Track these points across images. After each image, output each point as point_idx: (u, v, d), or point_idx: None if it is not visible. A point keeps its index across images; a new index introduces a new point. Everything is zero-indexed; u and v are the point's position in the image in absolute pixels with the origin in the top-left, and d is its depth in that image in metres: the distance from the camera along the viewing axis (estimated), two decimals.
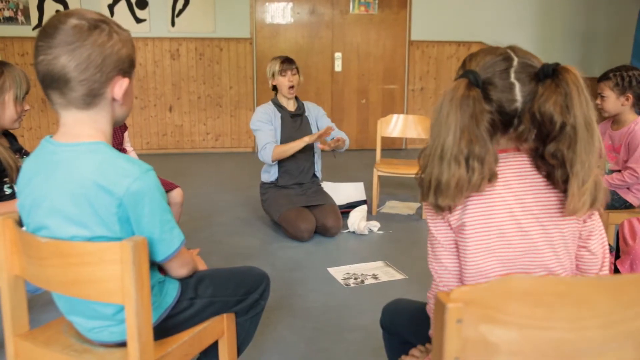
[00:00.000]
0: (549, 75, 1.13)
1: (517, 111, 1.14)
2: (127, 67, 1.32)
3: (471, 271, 1.20)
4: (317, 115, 3.94)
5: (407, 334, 1.54)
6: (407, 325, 1.54)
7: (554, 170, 1.13)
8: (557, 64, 1.14)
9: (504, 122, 1.16)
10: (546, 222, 1.17)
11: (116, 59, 1.27)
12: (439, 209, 1.16)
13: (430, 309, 1.39)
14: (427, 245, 1.28)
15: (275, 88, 3.82)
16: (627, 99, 2.73)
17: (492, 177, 1.14)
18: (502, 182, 1.17)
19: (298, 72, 3.78)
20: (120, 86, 1.30)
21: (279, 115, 3.78)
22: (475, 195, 1.16)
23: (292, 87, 3.74)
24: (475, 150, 1.10)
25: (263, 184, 3.90)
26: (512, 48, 1.19)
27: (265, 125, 3.72)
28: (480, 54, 1.20)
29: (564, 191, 1.14)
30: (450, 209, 1.16)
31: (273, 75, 3.75)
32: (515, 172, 1.19)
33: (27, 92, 2.17)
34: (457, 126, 1.10)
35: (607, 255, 1.27)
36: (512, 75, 1.14)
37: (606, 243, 1.27)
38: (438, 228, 1.22)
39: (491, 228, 1.17)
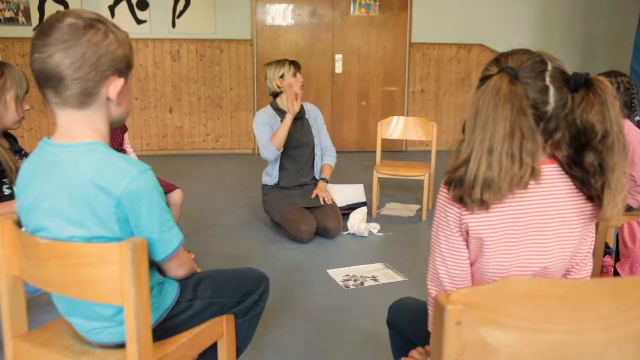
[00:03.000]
0: (580, 84, 1.16)
1: (547, 114, 1.16)
2: (123, 68, 1.31)
3: (486, 270, 1.23)
4: (315, 116, 3.95)
5: (408, 333, 1.55)
6: (408, 324, 1.55)
7: (590, 177, 1.15)
8: (587, 74, 1.17)
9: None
10: (566, 231, 1.21)
11: (111, 58, 1.27)
12: (482, 204, 1.13)
13: (431, 302, 1.40)
14: (431, 239, 1.28)
15: (274, 94, 3.80)
16: None
17: (536, 175, 1.14)
18: (532, 191, 1.18)
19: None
20: (115, 86, 1.30)
21: (278, 119, 3.78)
22: (500, 204, 1.16)
23: (302, 85, 3.76)
24: (527, 145, 1.10)
25: (264, 185, 3.90)
26: (544, 52, 1.21)
27: (265, 127, 3.74)
28: (516, 53, 1.21)
29: (597, 197, 1.17)
30: (487, 206, 1.14)
31: (282, 76, 3.71)
32: (546, 182, 1.19)
33: (27, 92, 2.18)
34: (507, 120, 1.09)
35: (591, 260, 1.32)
36: (548, 79, 1.16)
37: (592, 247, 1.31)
38: (450, 224, 1.22)
39: (513, 238, 1.19)
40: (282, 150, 3.68)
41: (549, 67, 1.17)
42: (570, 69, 1.20)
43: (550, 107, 1.15)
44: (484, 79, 1.20)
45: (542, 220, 1.19)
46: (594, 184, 1.15)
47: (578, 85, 1.16)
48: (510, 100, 1.09)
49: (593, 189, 1.16)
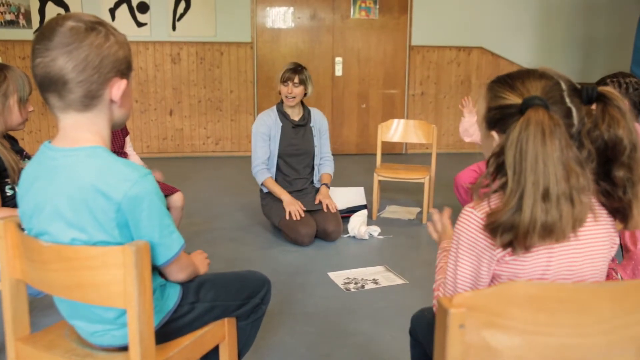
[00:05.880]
0: (594, 98, 1.14)
1: (573, 137, 1.12)
2: (124, 69, 1.32)
3: None
4: (320, 127, 3.91)
5: (425, 344, 1.53)
6: (424, 335, 1.53)
7: (618, 190, 1.13)
8: (595, 88, 1.15)
9: None
10: (598, 258, 1.17)
11: (113, 60, 1.28)
12: (530, 248, 1.08)
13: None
14: (450, 265, 1.22)
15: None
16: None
17: (593, 209, 1.11)
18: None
19: (305, 83, 3.68)
20: (118, 87, 1.30)
21: (280, 124, 3.75)
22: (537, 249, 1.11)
23: (292, 97, 3.68)
24: (582, 182, 1.06)
25: (262, 190, 3.89)
26: (549, 70, 1.17)
27: (261, 139, 3.73)
28: (530, 78, 1.16)
29: (623, 209, 1.15)
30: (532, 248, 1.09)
31: (279, 81, 3.72)
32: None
33: (30, 93, 2.18)
34: (559, 159, 1.04)
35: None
36: (567, 100, 1.13)
37: None
38: (482, 265, 1.15)
39: (546, 272, 1.15)
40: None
41: (564, 86, 1.14)
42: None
43: (574, 129, 1.12)
44: (500, 108, 1.15)
45: (574, 248, 1.14)
46: (623, 196, 1.13)
47: (591, 99, 1.14)
48: (556, 136, 1.04)
49: (622, 201, 1.14)
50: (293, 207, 3.61)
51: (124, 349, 1.38)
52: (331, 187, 4.30)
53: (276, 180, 3.80)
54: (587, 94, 1.15)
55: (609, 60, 7.07)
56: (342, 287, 2.96)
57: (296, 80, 3.65)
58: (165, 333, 1.48)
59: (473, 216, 1.14)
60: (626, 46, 6.67)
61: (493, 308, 0.92)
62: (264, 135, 3.73)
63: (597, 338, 0.96)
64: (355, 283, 3.01)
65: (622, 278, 2.25)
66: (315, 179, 3.93)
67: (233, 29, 6.50)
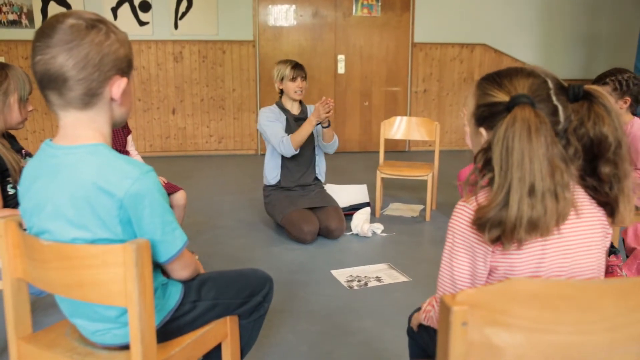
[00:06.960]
0: (580, 96, 1.16)
1: (559, 134, 1.13)
2: (125, 67, 1.31)
3: None
4: None
5: (422, 343, 1.53)
6: (422, 331, 1.53)
7: (604, 186, 1.15)
8: (581, 86, 1.17)
9: None
10: (594, 247, 1.18)
11: (114, 58, 1.27)
12: (520, 243, 1.09)
13: (430, 317, 1.37)
14: (444, 262, 1.22)
15: (281, 91, 3.83)
16: (625, 102, 2.73)
17: (576, 205, 1.12)
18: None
19: (306, 77, 3.81)
20: (118, 86, 1.29)
21: (283, 117, 3.80)
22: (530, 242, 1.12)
23: (301, 91, 3.78)
24: (565, 179, 1.07)
25: (266, 186, 3.90)
26: (538, 68, 1.18)
27: (273, 122, 3.74)
28: (515, 75, 1.17)
29: (610, 204, 1.16)
30: (523, 243, 1.10)
31: (282, 79, 3.75)
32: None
33: (30, 93, 2.18)
34: (544, 157, 1.05)
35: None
36: (554, 98, 1.14)
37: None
38: (477, 260, 1.16)
39: (541, 270, 1.15)
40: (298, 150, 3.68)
41: (551, 84, 1.15)
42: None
43: (560, 126, 1.14)
44: (488, 105, 1.16)
45: (568, 239, 1.15)
46: (610, 192, 1.15)
47: (577, 97, 1.16)
48: (542, 134, 1.05)
49: (608, 196, 1.16)
50: (317, 112, 3.54)
51: (126, 347, 1.38)
52: (334, 185, 4.30)
53: (281, 174, 3.82)
54: (573, 92, 1.16)
55: (612, 56, 7.05)
56: (345, 284, 2.96)
57: (303, 75, 3.78)
58: (167, 332, 1.48)
59: (466, 210, 1.15)
60: (629, 42, 6.65)
61: (496, 305, 0.92)
62: (275, 121, 3.75)
63: (601, 336, 0.95)
64: (359, 281, 3.00)
65: (627, 276, 2.24)
66: (318, 169, 3.94)
67: (235, 27, 6.49)
